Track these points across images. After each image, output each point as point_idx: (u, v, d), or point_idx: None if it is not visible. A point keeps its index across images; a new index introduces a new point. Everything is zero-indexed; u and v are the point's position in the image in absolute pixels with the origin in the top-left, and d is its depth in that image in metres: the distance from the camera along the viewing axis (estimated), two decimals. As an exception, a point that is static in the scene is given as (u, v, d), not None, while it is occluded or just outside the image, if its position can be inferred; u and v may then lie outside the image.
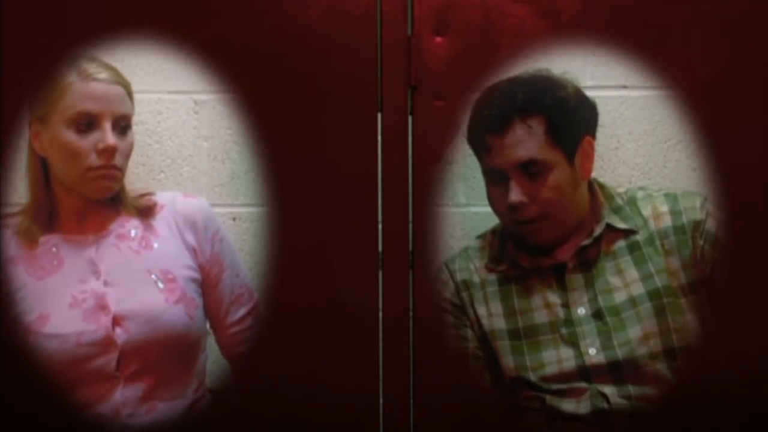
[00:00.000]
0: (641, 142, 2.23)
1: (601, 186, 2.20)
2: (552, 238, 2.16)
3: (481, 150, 2.15)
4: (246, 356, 2.21)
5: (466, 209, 2.23)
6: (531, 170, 2.10)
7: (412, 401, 2.21)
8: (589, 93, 2.19)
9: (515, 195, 2.11)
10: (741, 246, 2.18)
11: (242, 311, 2.20)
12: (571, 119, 2.14)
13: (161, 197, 2.19)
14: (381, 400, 2.20)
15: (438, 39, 2.21)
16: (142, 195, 2.18)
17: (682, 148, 2.22)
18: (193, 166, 2.23)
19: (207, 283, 2.17)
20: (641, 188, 2.21)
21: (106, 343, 2.06)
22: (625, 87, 2.23)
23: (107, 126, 2.08)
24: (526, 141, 2.10)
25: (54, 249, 2.13)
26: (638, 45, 2.21)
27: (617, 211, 2.18)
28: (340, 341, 2.19)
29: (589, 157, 2.16)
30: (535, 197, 2.11)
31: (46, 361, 2.05)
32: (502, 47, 2.21)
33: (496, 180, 2.14)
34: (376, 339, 2.20)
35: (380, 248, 2.21)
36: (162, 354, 2.08)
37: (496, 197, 2.15)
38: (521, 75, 2.18)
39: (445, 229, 2.22)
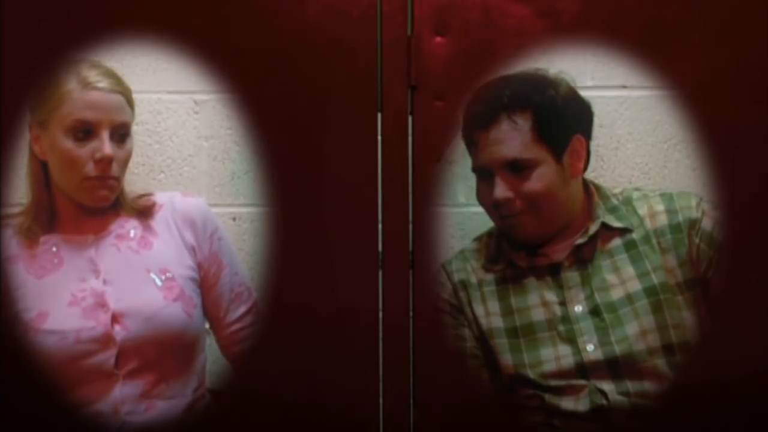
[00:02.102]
0: (641, 142, 2.23)
1: (597, 187, 2.21)
2: (538, 232, 2.16)
3: (470, 146, 2.16)
4: (246, 355, 2.21)
5: (466, 209, 2.23)
6: (515, 167, 2.11)
7: (412, 401, 2.20)
8: (589, 93, 2.19)
9: (500, 191, 2.12)
10: (741, 245, 2.17)
11: (242, 309, 2.20)
12: (559, 117, 2.14)
13: (160, 197, 2.19)
14: (381, 400, 2.19)
15: (438, 39, 2.21)
16: (141, 196, 2.19)
17: (682, 148, 2.22)
18: (193, 166, 2.23)
19: (206, 281, 2.17)
20: (636, 189, 2.21)
21: (105, 340, 2.05)
22: (625, 87, 2.23)
23: (105, 135, 2.08)
24: (511, 138, 2.11)
25: (54, 248, 2.13)
26: (638, 45, 2.21)
27: (613, 210, 2.18)
28: (340, 341, 2.19)
29: (579, 155, 2.16)
30: (520, 193, 2.12)
31: (45, 358, 2.05)
32: (502, 47, 2.21)
33: (483, 176, 2.15)
34: (376, 339, 2.20)
35: (380, 248, 2.20)
36: (160, 352, 2.08)
37: (483, 193, 2.17)
38: (513, 73, 2.18)
39: (445, 229, 2.22)
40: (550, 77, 2.16)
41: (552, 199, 2.14)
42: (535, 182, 2.12)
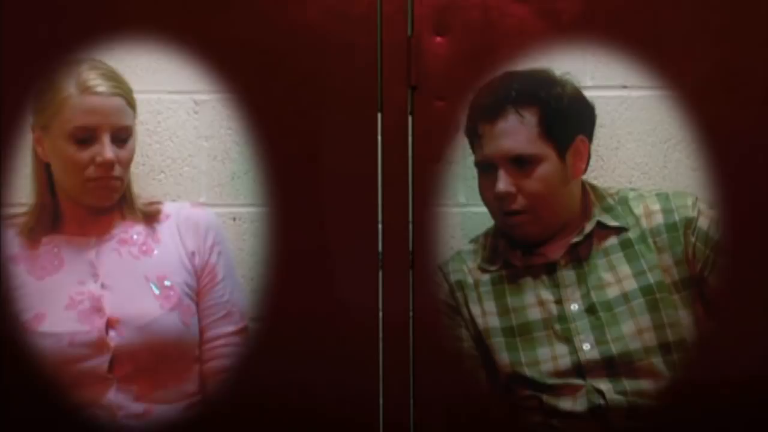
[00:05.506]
0: (641, 142, 2.23)
1: (593, 187, 2.21)
2: (537, 232, 2.17)
3: (473, 139, 2.17)
4: (220, 374, 2.18)
5: (466, 209, 2.23)
6: (519, 161, 2.12)
7: (412, 401, 2.21)
8: (589, 93, 2.19)
9: (503, 184, 2.12)
10: (739, 245, 2.18)
11: (229, 328, 2.17)
12: (565, 116, 2.15)
13: (169, 206, 2.19)
14: (381, 400, 2.20)
15: (438, 39, 2.21)
16: (151, 203, 2.18)
17: (682, 148, 2.22)
18: (193, 166, 2.23)
19: (198, 289, 2.17)
20: (632, 189, 2.22)
21: (98, 345, 2.06)
22: (625, 87, 2.23)
23: (106, 139, 2.08)
24: (517, 132, 2.12)
25: (56, 249, 2.13)
26: (638, 45, 2.21)
27: (608, 209, 2.19)
28: (340, 341, 2.19)
29: (581, 156, 2.17)
30: (523, 188, 2.13)
31: (40, 359, 2.06)
32: (502, 47, 2.21)
33: (486, 170, 2.16)
34: (376, 339, 2.20)
35: (380, 248, 2.21)
36: (156, 359, 2.09)
37: (485, 187, 2.17)
38: (521, 70, 2.19)
39: (445, 229, 2.23)
40: (557, 76, 2.18)
41: (552, 198, 2.15)
42: (538, 179, 2.13)
